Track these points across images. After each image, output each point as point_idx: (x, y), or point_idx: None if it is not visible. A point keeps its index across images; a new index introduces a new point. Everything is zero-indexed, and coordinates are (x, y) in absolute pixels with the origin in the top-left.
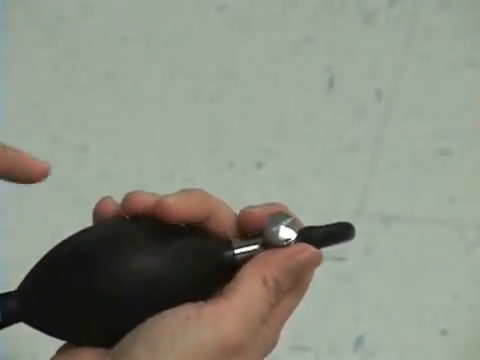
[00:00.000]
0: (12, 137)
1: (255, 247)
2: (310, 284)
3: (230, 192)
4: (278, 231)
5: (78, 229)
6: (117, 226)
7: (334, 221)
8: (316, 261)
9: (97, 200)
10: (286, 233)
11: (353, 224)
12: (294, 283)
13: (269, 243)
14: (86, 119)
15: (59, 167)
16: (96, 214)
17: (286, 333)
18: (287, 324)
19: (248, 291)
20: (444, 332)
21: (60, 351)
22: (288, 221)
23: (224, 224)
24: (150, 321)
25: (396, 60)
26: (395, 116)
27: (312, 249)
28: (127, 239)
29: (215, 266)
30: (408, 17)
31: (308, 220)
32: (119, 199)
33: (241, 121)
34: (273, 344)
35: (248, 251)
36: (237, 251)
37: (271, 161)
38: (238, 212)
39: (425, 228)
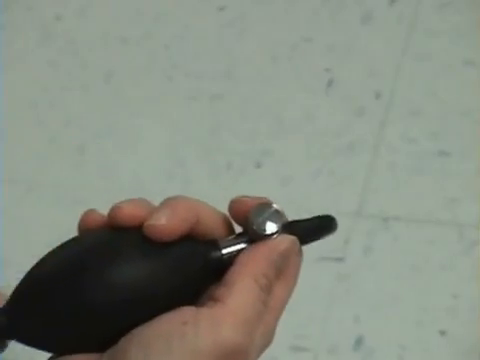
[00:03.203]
0: (11, 137)
1: (242, 246)
2: (309, 285)
3: (229, 192)
4: (262, 224)
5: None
6: (101, 235)
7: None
8: (294, 249)
9: (83, 211)
10: (269, 225)
11: (335, 217)
12: (279, 274)
13: (255, 236)
14: (85, 119)
15: (58, 167)
16: (81, 226)
17: (285, 333)
18: (286, 324)
19: (242, 293)
20: (443, 333)
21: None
22: (271, 211)
23: (211, 225)
24: (146, 325)
25: (395, 60)
26: (394, 116)
27: (289, 238)
28: (112, 247)
29: (203, 267)
30: (407, 17)
31: None
32: (119, 199)
33: (240, 121)
34: (270, 339)
35: (236, 249)
36: (224, 251)
37: (270, 161)
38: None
39: (424, 228)
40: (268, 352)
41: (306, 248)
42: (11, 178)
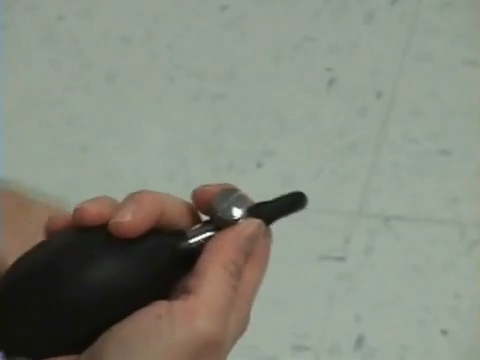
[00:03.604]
0: (13, 137)
1: (210, 233)
2: (310, 284)
3: None
4: (227, 210)
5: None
6: (68, 236)
7: (334, 221)
8: (260, 231)
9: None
10: (234, 210)
11: (304, 193)
12: (247, 258)
13: (221, 224)
14: (87, 119)
15: (60, 167)
16: (46, 230)
17: (286, 333)
18: (287, 323)
19: (213, 282)
20: (445, 332)
21: None
22: (235, 196)
23: (176, 216)
24: (121, 323)
25: (396, 60)
26: (396, 116)
27: (254, 222)
28: (80, 247)
29: (172, 258)
30: (409, 17)
31: (308, 220)
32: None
33: (241, 121)
34: (244, 327)
35: (203, 238)
36: (192, 241)
37: (271, 161)
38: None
39: (426, 228)
40: (269, 351)
41: (307, 248)
42: (12, 178)
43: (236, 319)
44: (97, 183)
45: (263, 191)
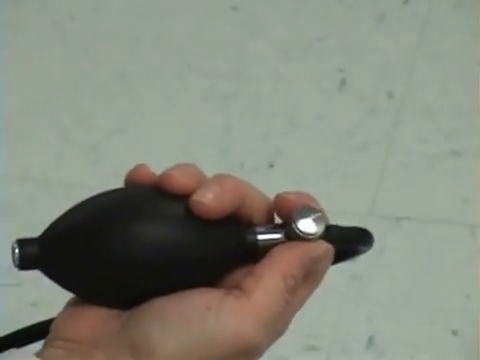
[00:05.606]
0: (25, 136)
1: (279, 236)
2: (321, 285)
3: None
4: (304, 224)
5: None
6: (147, 192)
7: (345, 221)
8: (328, 256)
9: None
10: (312, 227)
11: (369, 229)
12: (306, 277)
13: (293, 235)
14: (98, 118)
15: (71, 166)
16: (128, 178)
17: (297, 333)
18: (298, 324)
19: (269, 291)
20: (455, 332)
21: (70, 304)
22: (316, 216)
23: (254, 209)
24: (169, 298)
25: (408, 60)
26: (407, 116)
27: (325, 245)
28: (154, 206)
29: (236, 247)
30: (421, 17)
31: None
32: None
33: (253, 121)
34: (283, 333)
35: (271, 239)
36: (260, 237)
37: (282, 161)
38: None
39: (437, 228)
40: (280, 351)
41: None
42: (25, 177)
43: (278, 329)
44: (109, 182)
45: (275, 191)
